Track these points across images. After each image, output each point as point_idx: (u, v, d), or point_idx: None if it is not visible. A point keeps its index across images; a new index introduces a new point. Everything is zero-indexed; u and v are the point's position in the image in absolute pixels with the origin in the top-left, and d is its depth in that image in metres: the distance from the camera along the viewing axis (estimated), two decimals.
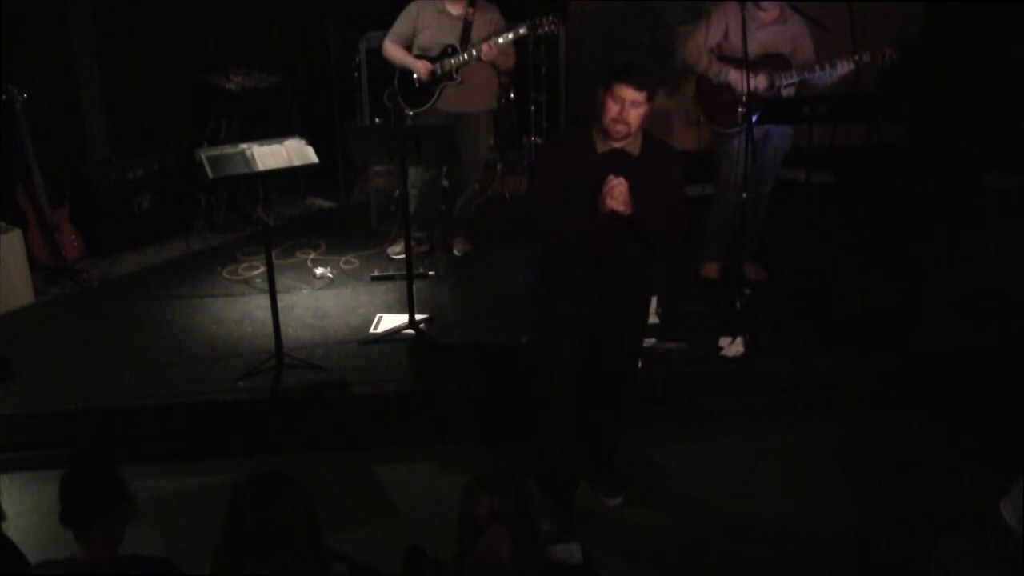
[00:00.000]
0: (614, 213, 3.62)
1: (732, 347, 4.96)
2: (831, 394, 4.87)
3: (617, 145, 3.72)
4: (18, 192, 5.67)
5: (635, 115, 3.62)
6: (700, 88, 5.34)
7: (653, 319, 5.08)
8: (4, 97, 5.46)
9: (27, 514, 4.17)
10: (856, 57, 5.00)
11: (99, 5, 6.23)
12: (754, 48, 4.97)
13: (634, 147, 3.74)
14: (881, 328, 5.02)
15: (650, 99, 3.66)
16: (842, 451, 4.59)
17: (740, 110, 5.05)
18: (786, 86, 5.11)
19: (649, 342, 4.89)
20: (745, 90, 5.02)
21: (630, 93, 3.59)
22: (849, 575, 3.91)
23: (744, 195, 5.13)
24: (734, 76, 5.10)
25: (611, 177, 3.60)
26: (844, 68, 5.04)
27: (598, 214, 3.65)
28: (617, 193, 3.58)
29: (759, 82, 5.03)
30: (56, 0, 6.09)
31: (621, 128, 3.64)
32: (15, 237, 5.46)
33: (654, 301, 5.11)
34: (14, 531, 3.62)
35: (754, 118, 4.95)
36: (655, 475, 4.49)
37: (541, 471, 4.23)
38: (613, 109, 3.62)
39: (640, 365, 4.63)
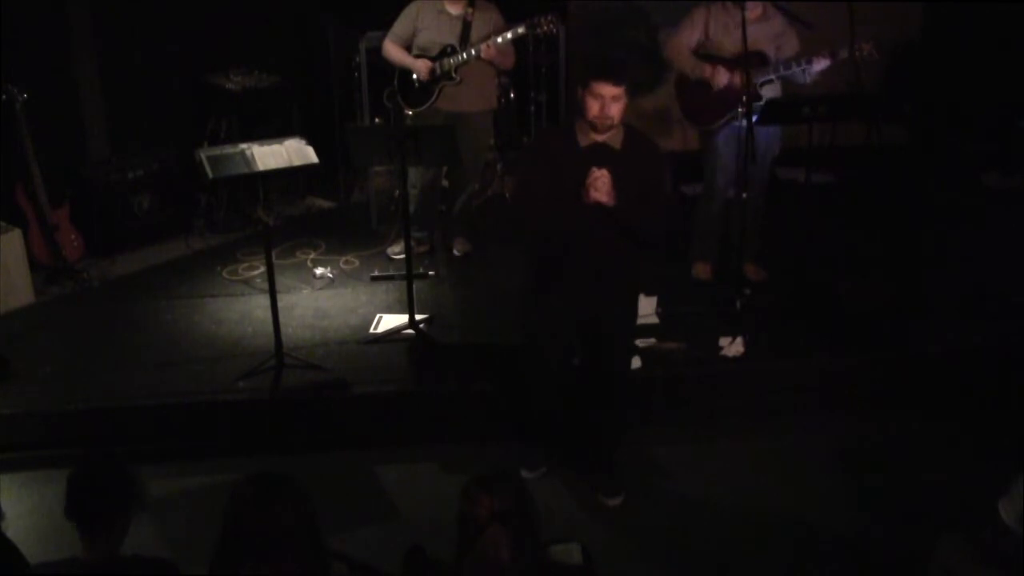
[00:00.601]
0: (598, 205, 3.66)
1: (732, 347, 4.96)
2: (831, 394, 4.86)
3: (599, 139, 3.77)
4: (18, 192, 5.67)
5: (616, 108, 3.73)
6: (679, 86, 5.36)
7: (653, 319, 5.09)
8: (4, 97, 5.46)
9: (27, 514, 4.17)
10: (833, 53, 5.00)
11: (99, 5, 6.23)
12: (735, 46, 4.98)
13: (615, 141, 3.81)
14: (881, 328, 5.03)
15: (628, 91, 3.74)
16: (842, 451, 4.58)
17: (740, 109, 5.05)
18: (763, 83, 5.10)
19: (649, 342, 4.90)
20: (716, 86, 5.08)
21: (608, 89, 3.69)
22: (849, 575, 3.90)
23: (744, 195, 5.13)
24: (707, 72, 5.11)
25: (594, 169, 3.65)
26: (821, 64, 5.03)
27: (583, 208, 3.69)
28: (600, 184, 3.64)
29: (735, 79, 5.04)
30: (56, 0, 6.09)
31: (606, 122, 3.73)
32: (15, 237, 5.46)
33: (654, 301, 5.12)
34: (14, 531, 3.60)
35: (754, 118, 4.95)
36: (655, 475, 4.48)
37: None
38: (594, 106, 3.72)
39: (640, 365, 4.64)
